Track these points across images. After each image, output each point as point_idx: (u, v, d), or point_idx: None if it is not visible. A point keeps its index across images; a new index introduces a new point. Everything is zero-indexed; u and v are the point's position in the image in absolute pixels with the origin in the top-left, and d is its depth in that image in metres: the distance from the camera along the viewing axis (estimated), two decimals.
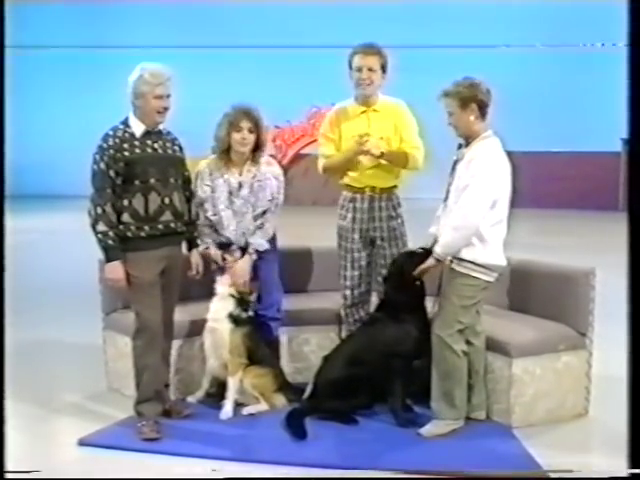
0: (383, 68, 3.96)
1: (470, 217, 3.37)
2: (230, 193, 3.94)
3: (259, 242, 3.96)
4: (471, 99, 3.41)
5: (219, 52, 15.78)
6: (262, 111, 3.92)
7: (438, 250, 3.47)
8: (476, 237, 3.41)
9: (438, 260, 3.49)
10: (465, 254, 3.43)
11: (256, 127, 3.87)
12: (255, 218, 3.96)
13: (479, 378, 3.69)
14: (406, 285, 3.69)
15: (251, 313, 3.91)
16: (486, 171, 3.37)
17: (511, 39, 14.51)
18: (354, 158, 3.98)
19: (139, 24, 16.22)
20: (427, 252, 3.58)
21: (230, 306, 3.86)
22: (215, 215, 3.94)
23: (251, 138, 3.87)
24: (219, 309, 3.88)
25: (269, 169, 4.00)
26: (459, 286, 3.47)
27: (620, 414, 2.83)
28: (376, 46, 3.98)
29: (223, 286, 3.90)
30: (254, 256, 3.94)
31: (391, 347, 3.67)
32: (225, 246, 3.95)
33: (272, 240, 4.05)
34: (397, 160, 3.99)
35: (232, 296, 3.87)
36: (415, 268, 3.59)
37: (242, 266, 3.90)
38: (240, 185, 3.94)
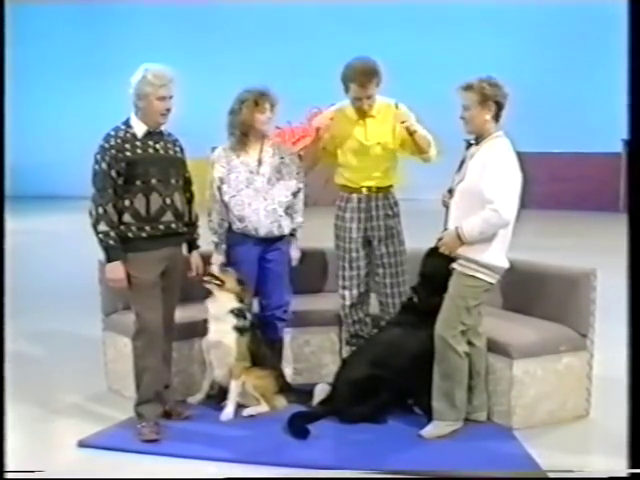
0: (378, 82, 3.90)
1: (506, 214, 3.34)
2: (250, 172, 3.95)
3: (298, 221, 4.11)
4: (491, 97, 3.43)
5: (219, 53, 15.77)
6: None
7: (465, 231, 3.40)
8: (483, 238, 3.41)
9: (459, 237, 3.41)
10: (471, 254, 3.43)
11: (273, 107, 3.98)
12: (286, 196, 4.00)
13: (480, 379, 3.69)
14: (440, 282, 3.59)
15: (249, 317, 3.90)
16: (509, 168, 3.39)
17: (512, 40, 14.50)
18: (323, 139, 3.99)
19: (139, 24, 16.23)
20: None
21: (234, 320, 3.84)
22: (234, 196, 3.93)
23: (272, 117, 3.99)
24: (220, 329, 3.84)
25: (286, 147, 4.22)
26: (463, 287, 3.47)
27: (621, 415, 2.83)
28: (372, 68, 3.85)
29: (218, 308, 3.85)
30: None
31: (424, 349, 3.58)
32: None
33: (291, 234, 4.11)
34: (423, 141, 3.94)
35: (232, 312, 3.84)
36: (447, 261, 3.53)
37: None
38: (260, 162, 3.97)
